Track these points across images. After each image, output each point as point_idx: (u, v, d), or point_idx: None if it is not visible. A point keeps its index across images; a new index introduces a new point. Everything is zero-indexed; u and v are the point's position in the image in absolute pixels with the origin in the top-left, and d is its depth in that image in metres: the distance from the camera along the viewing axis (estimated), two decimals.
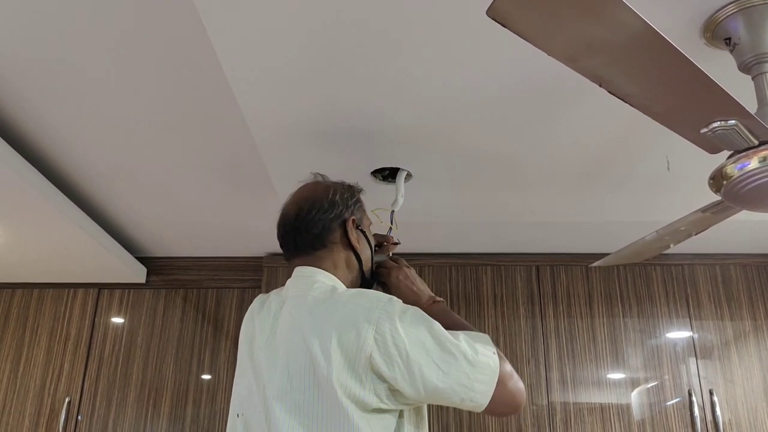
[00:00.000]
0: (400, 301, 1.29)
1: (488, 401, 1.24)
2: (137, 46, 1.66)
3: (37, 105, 1.94)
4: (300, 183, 1.54)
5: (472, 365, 1.23)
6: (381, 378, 1.21)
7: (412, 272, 1.55)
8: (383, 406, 1.22)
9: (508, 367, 1.28)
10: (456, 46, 1.45)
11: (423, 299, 1.48)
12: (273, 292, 1.49)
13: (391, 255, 1.65)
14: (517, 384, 1.28)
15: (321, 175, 1.54)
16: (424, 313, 1.29)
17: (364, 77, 1.58)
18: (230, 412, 1.40)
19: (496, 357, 1.27)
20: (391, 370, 1.20)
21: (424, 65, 1.52)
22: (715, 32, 1.38)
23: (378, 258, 1.59)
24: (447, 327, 1.29)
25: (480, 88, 1.61)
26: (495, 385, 1.24)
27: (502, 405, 1.26)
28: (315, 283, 1.36)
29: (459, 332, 1.28)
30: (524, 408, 2.71)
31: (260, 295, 1.53)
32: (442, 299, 1.50)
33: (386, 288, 1.55)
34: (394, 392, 1.23)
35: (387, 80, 1.59)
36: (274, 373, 1.27)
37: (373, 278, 1.54)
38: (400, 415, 1.27)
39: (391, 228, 1.83)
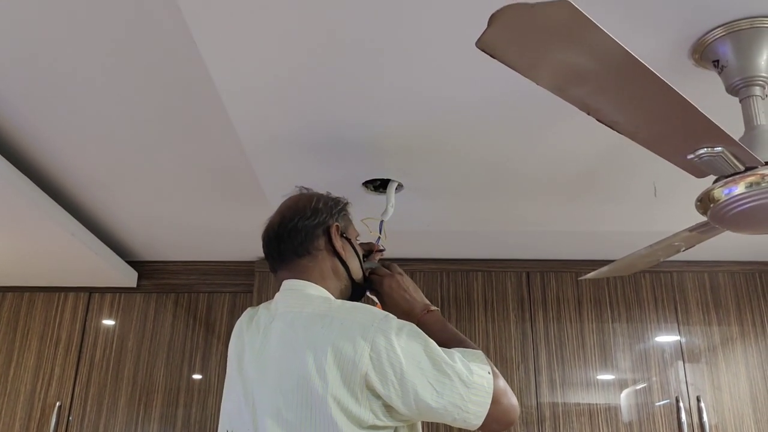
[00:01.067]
0: (395, 318, 1.28)
1: (481, 422, 1.24)
2: (128, 54, 1.66)
3: (27, 111, 1.93)
4: (285, 196, 1.52)
5: (466, 386, 1.23)
6: (376, 395, 1.21)
7: (405, 279, 1.53)
8: (379, 423, 1.22)
9: (502, 383, 1.28)
10: (446, 61, 1.46)
11: (417, 308, 1.46)
12: (262, 306, 1.47)
13: (378, 260, 1.63)
14: (511, 400, 1.27)
15: (306, 188, 1.52)
16: (420, 331, 1.28)
17: (354, 91, 1.58)
18: (219, 427, 1.39)
19: (490, 377, 1.26)
20: (386, 388, 1.20)
21: (415, 79, 1.53)
22: (704, 54, 1.39)
23: (370, 265, 1.57)
24: (442, 339, 1.29)
25: (471, 101, 1.62)
26: (489, 405, 1.24)
27: (495, 423, 1.25)
28: (307, 298, 1.35)
29: (454, 351, 1.27)
30: None
31: (249, 309, 1.51)
32: (436, 308, 1.48)
33: (380, 296, 1.53)
34: (389, 409, 1.23)
35: (378, 93, 1.59)
36: (265, 390, 1.26)
37: (366, 286, 1.52)
38: (395, 431, 1.27)
39: (379, 237, 1.83)
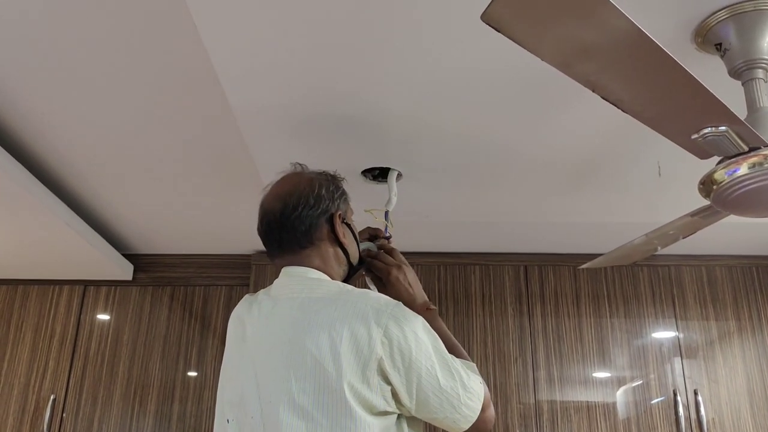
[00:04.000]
0: (407, 307, 1.29)
1: (468, 426, 1.28)
2: (123, 41, 1.64)
3: (22, 100, 1.92)
4: (279, 174, 1.47)
5: (464, 389, 1.27)
6: (387, 381, 1.22)
7: (411, 274, 1.53)
8: (389, 409, 1.23)
9: (488, 394, 1.33)
10: (448, 45, 1.45)
11: (417, 303, 1.47)
12: (261, 293, 1.45)
13: (377, 242, 1.61)
14: (492, 412, 1.34)
15: (300, 165, 1.47)
16: (429, 325, 1.30)
17: (354, 73, 1.57)
18: (217, 417, 1.36)
19: (483, 386, 1.32)
20: (394, 374, 1.21)
21: (415, 62, 1.52)
22: (706, 37, 1.39)
23: (370, 246, 1.57)
24: (445, 341, 1.32)
25: (471, 86, 1.61)
26: (479, 412, 1.29)
27: (475, 430, 1.30)
28: (314, 282, 1.34)
29: (452, 356, 1.31)
30: (511, 407, 2.72)
31: (246, 295, 1.49)
32: (435, 307, 1.49)
33: (379, 282, 1.53)
34: (395, 396, 1.23)
35: (378, 76, 1.58)
36: (274, 375, 1.24)
37: (360, 265, 1.51)
38: (399, 417, 1.27)
39: (387, 226, 1.82)
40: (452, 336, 1.43)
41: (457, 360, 1.31)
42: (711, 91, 1.06)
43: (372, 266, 1.53)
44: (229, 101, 1.72)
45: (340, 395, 1.18)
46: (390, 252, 1.56)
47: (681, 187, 2.09)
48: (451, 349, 1.35)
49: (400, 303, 1.29)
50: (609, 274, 2.92)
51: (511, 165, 2.06)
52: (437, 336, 1.30)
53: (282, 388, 1.22)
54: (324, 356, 1.20)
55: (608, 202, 2.33)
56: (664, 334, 2.83)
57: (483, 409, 1.30)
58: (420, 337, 1.25)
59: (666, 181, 2.11)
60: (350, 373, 1.19)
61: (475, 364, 1.36)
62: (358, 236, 1.52)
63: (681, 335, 2.82)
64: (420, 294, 1.50)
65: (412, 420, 1.30)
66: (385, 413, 1.23)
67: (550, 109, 1.74)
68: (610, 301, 2.88)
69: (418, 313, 1.40)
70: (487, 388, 1.33)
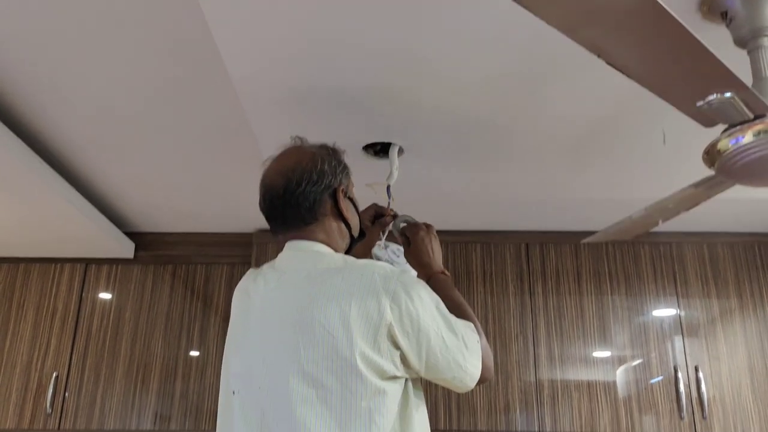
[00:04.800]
0: (413, 273, 1.34)
1: (474, 384, 1.33)
2: (123, 16, 1.63)
3: (22, 77, 1.91)
4: (280, 148, 1.47)
5: (467, 348, 1.31)
6: (396, 346, 1.24)
7: (435, 240, 1.61)
8: (398, 374, 1.25)
9: (488, 348, 1.38)
10: (448, 18, 1.44)
11: (434, 265, 1.54)
12: (265, 266, 1.46)
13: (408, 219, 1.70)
14: (491, 363, 1.38)
15: (300, 138, 1.48)
16: (432, 291, 1.34)
17: (355, 47, 1.56)
18: (222, 389, 1.37)
19: (479, 344, 1.35)
20: (404, 339, 1.24)
21: (417, 36, 1.51)
22: (712, 6, 1.38)
23: (407, 219, 1.68)
24: (450, 300, 1.38)
25: (473, 59, 1.60)
26: (481, 369, 1.33)
27: (480, 382, 1.36)
28: (318, 255, 1.35)
29: (456, 317, 1.34)
30: (512, 384, 2.73)
31: (250, 269, 1.49)
32: (449, 274, 1.56)
33: (407, 242, 1.61)
34: (404, 360, 1.26)
35: (379, 50, 1.57)
36: (281, 346, 1.25)
37: (361, 238, 1.55)
38: (406, 382, 1.29)
39: (389, 202, 1.83)
40: (462, 298, 1.46)
41: (459, 320, 1.34)
42: (717, 56, 1.05)
43: (406, 222, 1.65)
44: (229, 74, 1.70)
45: (351, 362, 1.20)
46: (427, 226, 1.65)
47: (684, 161, 2.08)
48: (458, 308, 1.39)
49: (406, 270, 1.33)
50: (610, 251, 2.92)
51: (513, 139, 2.05)
52: (440, 299, 1.33)
53: (291, 357, 1.23)
54: (333, 325, 1.22)
55: (611, 177, 2.32)
56: (665, 312, 2.83)
57: (484, 365, 1.34)
58: (425, 301, 1.28)
59: (668, 157, 2.11)
60: (361, 341, 1.21)
61: (477, 322, 1.40)
62: (359, 209, 1.53)
63: (682, 313, 2.82)
64: (439, 260, 1.57)
65: (416, 382, 1.33)
66: (394, 378, 1.25)
67: (550, 88, 1.73)
68: (612, 279, 2.88)
69: (435, 274, 1.51)
70: (486, 342, 1.38)
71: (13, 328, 2.96)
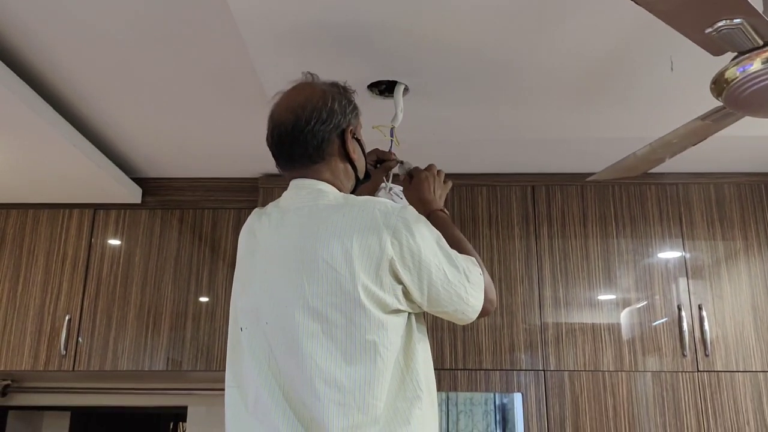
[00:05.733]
0: (413, 209, 1.33)
1: (476, 316, 1.35)
2: None
3: (27, 21, 1.89)
4: (291, 83, 1.45)
5: (468, 280, 1.32)
6: (398, 280, 1.26)
7: (440, 184, 1.61)
8: (401, 307, 1.28)
9: (489, 280, 1.39)
10: None
11: (435, 203, 1.55)
12: (270, 205, 1.47)
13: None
14: (493, 296, 1.40)
15: (312, 75, 1.46)
16: (431, 224, 1.35)
17: None
18: (231, 326, 1.39)
19: (482, 277, 1.37)
20: (406, 273, 1.26)
21: None
22: None
23: (409, 166, 1.66)
24: (450, 236, 1.39)
25: None
26: (483, 301, 1.35)
27: (482, 314, 1.37)
28: (320, 192, 1.36)
29: (455, 251, 1.36)
30: (517, 325, 2.77)
31: (256, 209, 1.50)
32: (448, 213, 1.57)
33: (411, 178, 1.61)
34: (406, 294, 1.28)
35: None
36: (288, 282, 1.27)
37: (366, 179, 1.55)
38: (409, 316, 1.32)
39: (392, 142, 1.82)
40: (461, 234, 1.47)
41: (459, 255, 1.35)
42: None
43: (409, 165, 1.65)
44: (233, 13, 1.68)
45: (354, 296, 1.22)
46: (439, 171, 1.65)
47: (691, 97, 2.06)
48: (458, 244, 1.40)
49: (405, 206, 1.33)
50: (617, 192, 2.92)
51: (519, 78, 2.03)
52: (440, 234, 1.34)
53: (296, 293, 1.25)
54: (336, 260, 1.23)
55: (618, 116, 2.30)
56: (670, 254, 2.84)
57: (486, 298, 1.36)
58: (426, 235, 1.30)
59: (675, 93, 2.08)
60: (363, 275, 1.23)
61: (478, 257, 1.41)
62: (366, 152, 1.53)
63: (687, 254, 2.84)
64: (440, 199, 1.58)
65: (419, 317, 1.35)
66: (397, 311, 1.28)
67: (556, 22, 1.71)
68: (617, 221, 2.89)
69: (435, 210, 1.52)
70: (488, 275, 1.39)
71: (24, 274, 3.00)
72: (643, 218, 2.89)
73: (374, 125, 1.80)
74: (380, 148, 1.73)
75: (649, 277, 2.82)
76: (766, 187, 2.91)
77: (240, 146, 2.76)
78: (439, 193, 1.59)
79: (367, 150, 1.69)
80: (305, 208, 1.33)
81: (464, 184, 2.95)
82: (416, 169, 1.64)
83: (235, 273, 1.45)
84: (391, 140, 1.84)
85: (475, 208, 2.93)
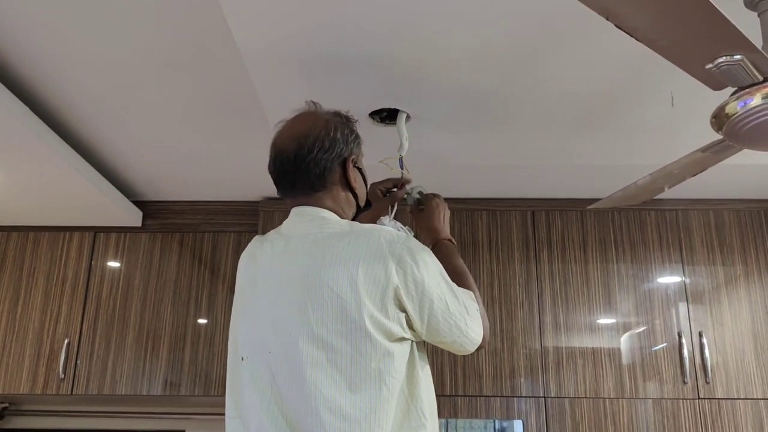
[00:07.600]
0: (416, 240, 1.35)
1: (474, 349, 1.38)
2: None
3: (31, 45, 1.90)
4: (294, 112, 1.47)
5: (468, 313, 1.35)
6: (402, 309, 1.27)
7: (448, 213, 1.68)
8: (405, 335, 1.28)
9: (485, 317, 1.42)
10: None
11: (443, 233, 1.61)
12: (271, 232, 1.47)
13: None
14: (487, 333, 1.43)
15: (314, 104, 1.47)
16: (434, 255, 1.37)
17: (361, 11, 1.55)
18: (230, 356, 1.38)
19: (479, 313, 1.39)
20: (409, 302, 1.27)
21: (423, 3, 1.50)
22: None
23: (422, 189, 1.73)
24: (453, 267, 1.43)
25: (479, 22, 1.59)
26: (482, 336, 1.39)
27: (477, 349, 1.40)
28: (323, 220, 1.36)
29: (457, 285, 1.39)
30: (517, 350, 2.76)
31: (256, 236, 1.50)
32: (455, 243, 1.61)
33: (419, 207, 1.67)
34: (408, 323, 1.29)
35: (385, 16, 1.56)
36: (291, 310, 1.27)
37: (366, 207, 1.57)
38: (411, 344, 1.32)
39: (402, 173, 1.83)
40: (464, 267, 1.50)
41: (460, 288, 1.38)
42: (727, 17, 1.04)
43: (422, 192, 1.71)
44: (235, 39, 1.70)
45: (360, 324, 1.22)
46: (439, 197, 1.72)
47: (691, 127, 2.07)
48: (460, 276, 1.43)
49: (409, 235, 1.35)
50: (616, 218, 2.93)
51: (519, 106, 2.04)
52: (442, 266, 1.36)
53: (300, 320, 1.25)
54: (342, 288, 1.24)
55: (617, 143, 2.32)
56: (670, 279, 2.84)
57: (484, 336, 1.40)
58: (430, 265, 1.31)
59: (675, 122, 2.10)
60: (369, 303, 1.23)
61: (477, 291, 1.44)
62: (368, 181, 1.54)
63: (687, 280, 2.84)
64: (447, 228, 1.63)
65: (420, 344, 1.36)
66: (402, 339, 1.28)
67: (556, 52, 1.72)
68: (617, 246, 2.89)
69: (442, 240, 1.57)
70: (484, 310, 1.43)
71: (24, 296, 3.00)
72: (642, 243, 2.89)
73: (380, 159, 1.81)
74: (393, 177, 1.78)
75: (649, 302, 2.81)
76: (765, 213, 2.91)
77: (240, 170, 2.77)
78: (447, 223, 1.65)
79: (382, 179, 1.74)
80: (310, 236, 1.33)
81: (464, 208, 2.95)
82: (427, 196, 1.68)
83: (234, 300, 1.45)
84: (402, 171, 1.84)
85: (476, 233, 2.94)
